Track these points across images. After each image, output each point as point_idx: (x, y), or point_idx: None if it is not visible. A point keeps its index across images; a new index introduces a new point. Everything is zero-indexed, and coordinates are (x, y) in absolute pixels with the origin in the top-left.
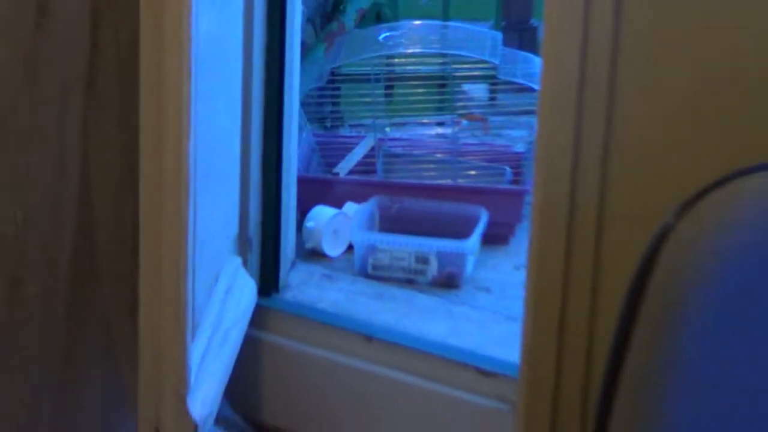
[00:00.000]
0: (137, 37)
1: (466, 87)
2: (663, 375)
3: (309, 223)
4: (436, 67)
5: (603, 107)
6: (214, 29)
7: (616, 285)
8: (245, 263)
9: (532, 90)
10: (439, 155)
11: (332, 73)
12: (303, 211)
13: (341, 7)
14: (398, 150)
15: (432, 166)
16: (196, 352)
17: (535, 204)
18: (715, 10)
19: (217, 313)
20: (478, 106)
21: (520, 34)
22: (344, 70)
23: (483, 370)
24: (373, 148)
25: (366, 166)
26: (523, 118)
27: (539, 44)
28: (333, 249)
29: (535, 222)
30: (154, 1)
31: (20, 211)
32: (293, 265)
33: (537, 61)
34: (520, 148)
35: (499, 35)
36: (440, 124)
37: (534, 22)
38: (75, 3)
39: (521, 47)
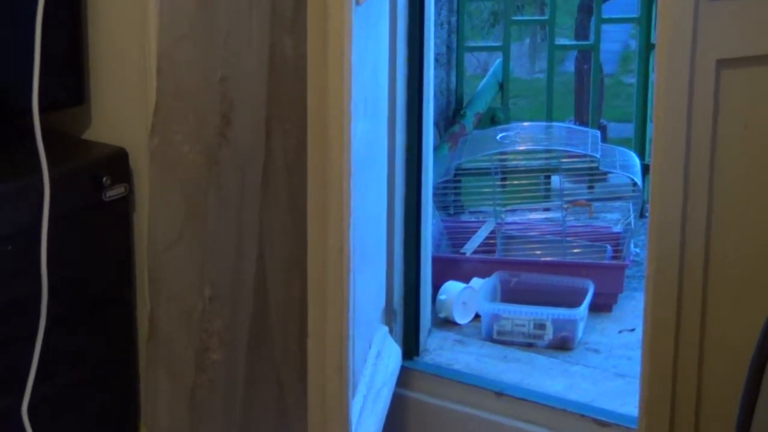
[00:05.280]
0: (304, 142)
1: (562, 178)
2: None
3: (442, 296)
4: (544, 161)
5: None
6: (367, 132)
7: (722, 340)
8: (391, 331)
9: (627, 179)
10: (549, 236)
11: (455, 168)
12: (436, 286)
13: (462, 112)
14: (514, 232)
15: (544, 245)
16: (355, 408)
17: (649, 274)
18: None
19: (371, 374)
20: (581, 194)
21: None
22: (465, 165)
23: (600, 421)
24: (493, 231)
25: (487, 246)
26: (619, 203)
27: (608, 139)
28: (463, 318)
29: (649, 290)
30: (319, 112)
31: (207, 288)
32: (430, 332)
33: (630, 155)
34: (618, 228)
35: (598, 133)
36: (547, 209)
37: (603, 121)
38: (252, 115)
39: None
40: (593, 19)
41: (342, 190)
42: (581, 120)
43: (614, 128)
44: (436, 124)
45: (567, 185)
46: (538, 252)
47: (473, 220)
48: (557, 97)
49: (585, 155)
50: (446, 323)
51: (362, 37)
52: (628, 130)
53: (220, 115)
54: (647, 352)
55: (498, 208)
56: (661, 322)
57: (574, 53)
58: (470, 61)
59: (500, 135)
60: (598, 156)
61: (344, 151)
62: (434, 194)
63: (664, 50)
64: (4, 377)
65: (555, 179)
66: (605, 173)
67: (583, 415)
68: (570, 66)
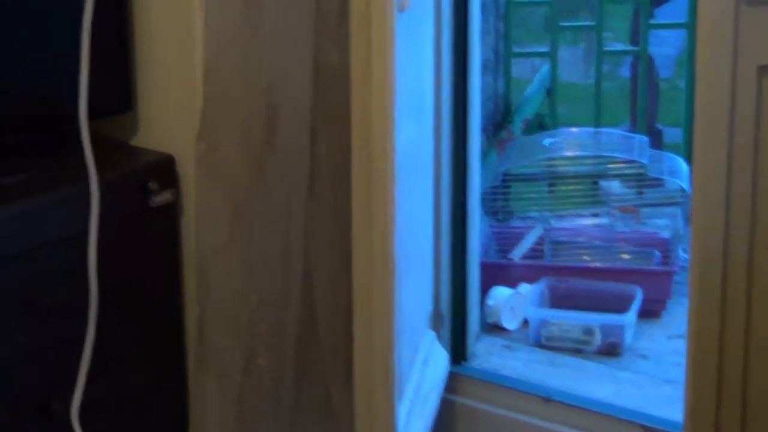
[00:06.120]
0: (348, 149)
1: (612, 184)
2: None
3: (490, 302)
4: (592, 167)
5: (748, 195)
6: (411, 138)
7: (767, 345)
8: (439, 336)
9: (675, 185)
10: (597, 242)
11: (503, 174)
12: (484, 291)
13: (509, 118)
14: (562, 238)
15: (592, 251)
16: (402, 413)
17: (692, 280)
18: None
19: (418, 379)
20: (629, 200)
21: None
22: (513, 171)
23: (647, 427)
24: (541, 237)
25: (535, 251)
26: (668, 209)
27: (664, 145)
28: (511, 323)
29: (693, 295)
30: (363, 118)
31: (254, 295)
32: (478, 337)
33: (679, 161)
34: (666, 234)
35: (645, 139)
36: (595, 215)
37: (659, 125)
38: (297, 123)
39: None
40: (641, 24)
41: (386, 195)
42: (636, 125)
43: (671, 133)
44: (484, 130)
45: (616, 191)
46: (586, 258)
47: (521, 225)
48: (614, 102)
49: (632, 161)
50: (494, 328)
51: (406, 43)
52: None
53: (266, 122)
54: (692, 357)
55: (546, 214)
56: (705, 328)
57: (629, 58)
58: (524, 65)
59: (547, 141)
60: (645, 162)
61: (388, 157)
62: (483, 200)
63: (704, 57)
64: (54, 380)
65: (604, 184)
66: (656, 179)
67: (630, 421)
68: (626, 71)
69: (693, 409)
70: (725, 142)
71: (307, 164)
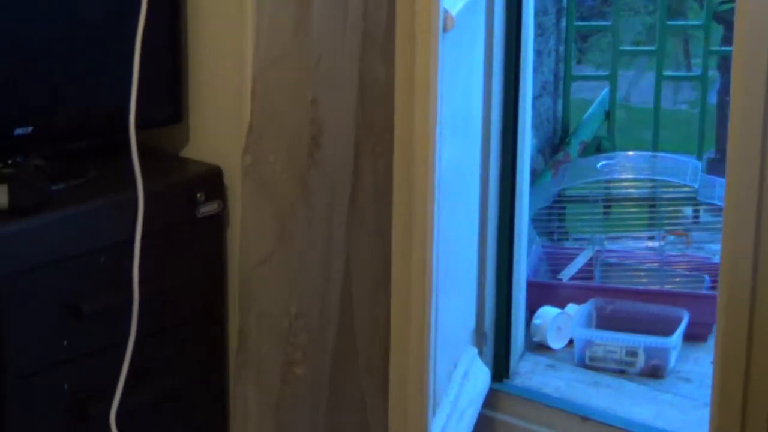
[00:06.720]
0: (389, 163)
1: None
2: None
3: (537, 321)
4: (646, 191)
5: None
6: (455, 157)
7: None
8: (481, 353)
9: None
10: (647, 264)
11: (559, 195)
12: (532, 310)
13: (567, 140)
14: (613, 260)
15: (641, 273)
16: (436, 426)
17: (720, 304)
18: None
19: (456, 394)
20: (681, 224)
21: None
22: (570, 193)
23: None
24: (591, 258)
25: (585, 273)
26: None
27: None
28: (556, 343)
29: (720, 319)
30: (405, 135)
31: (294, 305)
32: (522, 356)
33: None
34: (717, 259)
35: (698, 164)
36: (651, 238)
37: None
38: (342, 137)
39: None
40: (702, 50)
41: (426, 212)
42: (723, 151)
43: None
44: (542, 152)
45: (671, 215)
46: (636, 280)
47: (573, 246)
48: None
49: (683, 185)
50: (540, 348)
51: (452, 62)
52: None
53: (310, 137)
54: (718, 379)
55: (598, 236)
56: (732, 350)
57: (717, 84)
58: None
59: (601, 163)
60: (696, 186)
61: (429, 174)
62: (537, 220)
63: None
64: (95, 385)
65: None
66: (709, 204)
67: None
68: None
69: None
70: (758, 163)
71: (350, 178)
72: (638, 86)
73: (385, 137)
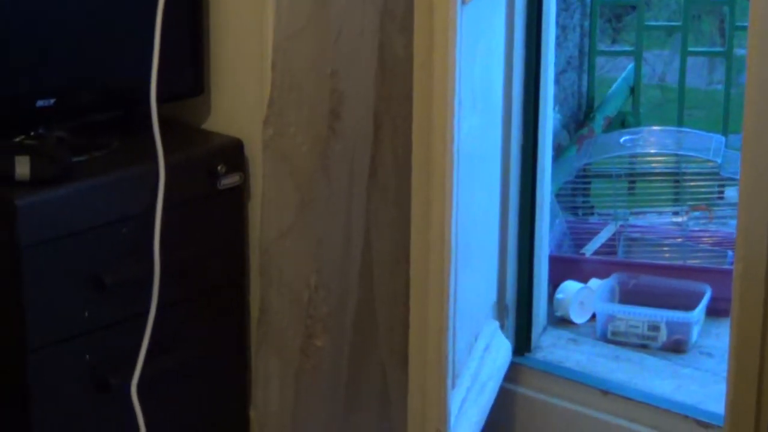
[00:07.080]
0: (410, 136)
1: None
2: None
3: (559, 295)
4: (670, 166)
5: None
6: (475, 130)
7: None
8: (502, 327)
9: None
10: (670, 240)
11: (584, 170)
12: (555, 285)
13: (591, 115)
14: (636, 235)
15: (664, 248)
16: (455, 398)
17: (737, 274)
18: None
19: (476, 367)
20: (705, 199)
21: None
22: (594, 168)
23: (702, 422)
24: (615, 233)
25: (608, 247)
26: None
27: None
28: (579, 317)
29: (736, 290)
30: (424, 107)
31: (314, 277)
32: (544, 329)
33: None
34: None
35: (722, 139)
36: (675, 213)
37: None
38: (361, 109)
39: None
40: (727, 26)
41: (444, 184)
42: None
43: None
44: (566, 127)
45: (694, 190)
46: (659, 255)
47: (596, 221)
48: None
49: (706, 160)
50: (563, 322)
51: (471, 35)
52: None
53: (330, 108)
54: (734, 351)
55: (622, 211)
56: (749, 324)
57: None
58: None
59: (624, 138)
60: (719, 161)
61: (447, 147)
62: (562, 195)
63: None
64: (116, 355)
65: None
66: (731, 179)
67: (686, 416)
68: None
69: (733, 404)
70: None
71: (369, 151)
72: (673, 66)
73: (404, 109)
